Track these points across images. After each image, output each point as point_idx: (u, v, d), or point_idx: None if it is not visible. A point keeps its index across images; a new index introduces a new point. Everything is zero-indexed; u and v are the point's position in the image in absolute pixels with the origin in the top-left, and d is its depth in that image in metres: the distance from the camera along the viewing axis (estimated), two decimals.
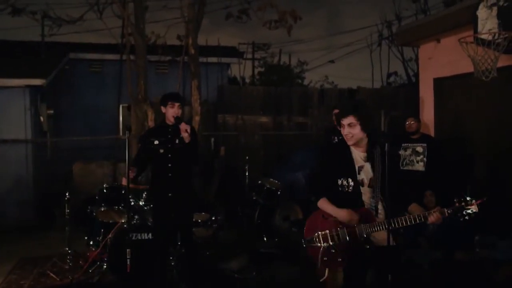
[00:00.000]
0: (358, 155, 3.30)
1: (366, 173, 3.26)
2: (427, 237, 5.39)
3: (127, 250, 4.36)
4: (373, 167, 3.23)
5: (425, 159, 5.98)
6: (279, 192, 6.91)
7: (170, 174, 4.51)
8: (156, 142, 4.54)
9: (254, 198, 6.87)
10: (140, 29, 8.41)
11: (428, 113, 7.32)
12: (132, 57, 8.73)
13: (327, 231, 3.22)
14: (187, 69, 9.03)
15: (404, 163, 6.11)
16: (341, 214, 3.19)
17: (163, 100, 4.59)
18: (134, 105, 8.41)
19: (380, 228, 3.10)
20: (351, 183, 3.23)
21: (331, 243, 3.20)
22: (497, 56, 5.13)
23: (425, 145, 6.03)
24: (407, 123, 6.12)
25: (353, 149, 3.31)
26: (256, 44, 20.14)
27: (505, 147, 6.00)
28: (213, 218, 6.06)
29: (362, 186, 3.24)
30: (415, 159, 6.04)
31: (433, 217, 3.02)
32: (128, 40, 8.93)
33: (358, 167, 3.27)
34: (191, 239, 4.80)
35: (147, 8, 8.78)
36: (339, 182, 3.25)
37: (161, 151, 4.52)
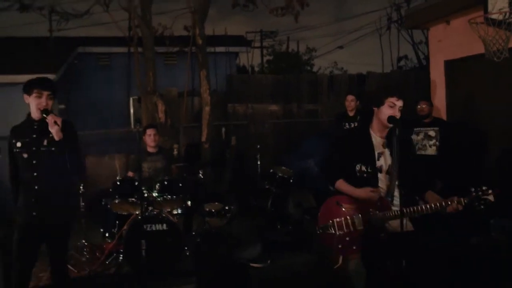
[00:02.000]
0: (378, 141, 3.27)
1: (385, 160, 3.25)
2: (441, 221, 5.36)
3: (142, 241, 4.42)
4: (391, 153, 3.21)
5: (437, 143, 5.93)
6: (291, 180, 6.90)
7: (36, 187, 3.48)
8: (19, 144, 3.52)
9: (267, 186, 6.87)
10: (147, 21, 8.40)
11: (439, 96, 7.24)
12: (140, 49, 8.74)
13: (342, 219, 3.23)
14: (195, 59, 9.03)
15: (417, 147, 6.06)
16: (360, 193, 3.19)
17: (27, 87, 3.53)
18: (144, 97, 8.44)
19: (395, 216, 3.09)
20: (369, 170, 3.22)
21: (346, 230, 3.21)
22: (508, 36, 5.05)
23: (438, 129, 5.97)
24: (418, 106, 6.06)
25: (373, 134, 3.28)
26: (264, 32, 20.05)
27: None
28: (226, 208, 6.09)
29: (380, 172, 3.23)
30: (427, 143, 5.99)
31: (451, 208, 3.00)
32: (135, 32, 8.93)
33: (378, 153, 3.25)
34: (63, 268, 3.72)
35: None
36: (357, 167, 3.24)
37: (25, 156, 3.49)
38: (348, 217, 3.22)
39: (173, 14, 14.12)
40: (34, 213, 3.48)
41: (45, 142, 3.49)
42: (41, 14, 9.77)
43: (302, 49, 22.02)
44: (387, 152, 3.25)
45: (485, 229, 5.23)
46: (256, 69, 20.02)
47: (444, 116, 7.01)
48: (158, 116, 8.28)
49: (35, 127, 3.54)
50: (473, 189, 2.98)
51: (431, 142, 5.98)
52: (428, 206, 3.06)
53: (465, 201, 2.98)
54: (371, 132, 3.29)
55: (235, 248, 5.56)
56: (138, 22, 8.50)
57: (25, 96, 3.54)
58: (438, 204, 3.04)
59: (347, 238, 3.21)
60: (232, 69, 13.49)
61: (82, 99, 11.95)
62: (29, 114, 3.62)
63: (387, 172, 3.23)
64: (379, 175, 3.23)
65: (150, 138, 6.04)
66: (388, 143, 3.25)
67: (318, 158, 7.62)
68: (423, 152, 6.01)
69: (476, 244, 5.06)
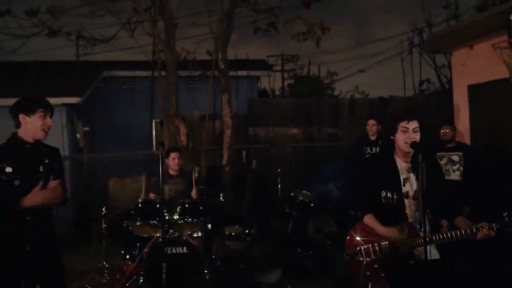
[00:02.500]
0: (403, 166, 3.20)
1: (411, 185, 3.17)
2: (468, 249, 5.23)
3: (163, 264, 4.42)
4: (417, 178, 3.11)
5: (461, 168, 5.84)
6: (312, 204, 6.86)
7: (28, 217, 3.09)
8: (9, 169, 3.07)
9: (287, 210, 6.83)
10: (170, 45, 8.58)
11: (463, 121, 7.16)
12: (163, 73, 8.90)
13: (370, 246, 3.19)
14: (217, 83, 9.15)
15: None
16: (391, 233, 3.11)
17: (30, 106, 3.16)
18: (166, 121, 8.55)
19: (423, 242, 2.96)
20: (396, 196, 3.14)
21: (373, 257, 3.17)
22: None
23: (461, 153, 5.88)
24: (442, 131, 5.99)
25: (398, 160, 3.22)
26: (285, 56, 20.22)
27: None
28: (246, 231, 6.07)
29: (406, 198, 3.15)
30: (451, 168, 5.90)
31: (482, 234, 2.87)
32: (159, 56, 9.11)
33: (403, 178, 3.18)
34: None
35: (176, 25, 8.96)
36: (383, 194, 3.18)
37: (16, 183, 3.07)
38: (375, 243, 3.18)
39: (196, 39, 14.38)
40: (28, 248, 3.08)
41: (41, 168, 3.15)
42: (68, 39, 10.06)
43: (323, 73, 22.09)
44: (412, 177, 3.18)
45: None
46: (277, 92, 20.15)
47: (467, 141, 6.91)
48: (180, 139, 8.37)
49: (27, 150, 3.18)
50: (505, 214, 2.84)
51: (455, 167, 5.88)
52: (458, 232, 2.95)
53: (497, 226, 2.85)
54: (396, 157, 3.23)
55: (255, 273, 5.52)
56: (162, 47, 8.67)
57: (22, 116, 3.14)
58: (468, 230, 2.92)
59: (375, 265, 3.15)
60: (253, 93, 13.63)
61: (106, 122, 12.19)
62: (15, 134, 3.20)
63: (414, 198, 3.15)
64: (405, 201, 3.16)
65: (173, 162, 6.09)
66: (413, 168, 3.18)
67: (339, 182, 7.57)
68: (446, 177, 5.90)
69: (505, 273, 4.91)
